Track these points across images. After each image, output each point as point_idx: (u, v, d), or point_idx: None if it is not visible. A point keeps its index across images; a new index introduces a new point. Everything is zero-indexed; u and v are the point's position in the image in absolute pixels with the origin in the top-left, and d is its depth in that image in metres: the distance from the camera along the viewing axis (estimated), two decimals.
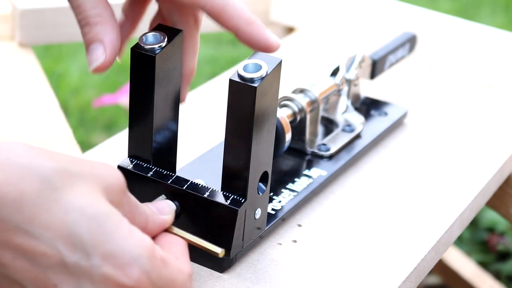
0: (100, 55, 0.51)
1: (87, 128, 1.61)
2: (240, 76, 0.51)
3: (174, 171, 0.57)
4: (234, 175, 0.53)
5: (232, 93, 0.51)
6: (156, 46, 0.52)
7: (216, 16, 0.52)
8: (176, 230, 0.50)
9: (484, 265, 1.31)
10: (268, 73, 0.51)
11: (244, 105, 0.51)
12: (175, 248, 0.48)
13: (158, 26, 0.54)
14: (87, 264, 0.42)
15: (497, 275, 1.30)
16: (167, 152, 0.56)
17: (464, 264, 1.20)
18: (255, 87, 0.50)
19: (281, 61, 0.52)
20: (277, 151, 0.62)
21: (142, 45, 0.52)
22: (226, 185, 0.53)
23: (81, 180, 0.43)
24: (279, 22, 0.96)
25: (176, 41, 0.53)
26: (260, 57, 0.52)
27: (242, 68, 0.51)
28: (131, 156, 0.55)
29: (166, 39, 0.52)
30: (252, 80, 0.50)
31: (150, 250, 0.43)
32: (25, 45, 0.85)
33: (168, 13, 0.56)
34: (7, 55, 0.83)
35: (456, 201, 0.64)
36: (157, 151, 0.55)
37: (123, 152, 0.64)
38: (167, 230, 0.50)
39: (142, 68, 0.52)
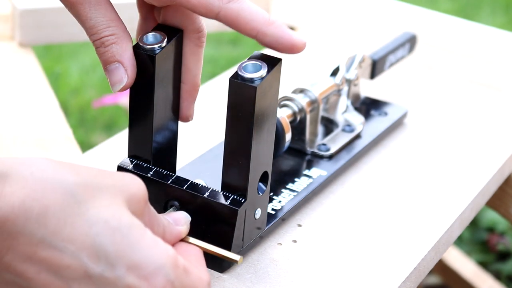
0: (122, 76, 0.52)
1: (87, 128, 1.61)
2: (240, 76, 0.51)
3: (174, 171, 0.57)
4: (234, 175, 0.53)
5: (232, 93, 0.51)
6: (156, 46, 0.52)
7: (232, 23, 0.50)
8: (192, 239, 0.51)
9: (484, 265, 1.31)
10: (268, 73, 0.51)
11: (244, 105, 0.51)
12: (193, 257, 0.48)
13: (158, 26, 0.54)
14: (111, 275, 0.42)
15: (497, 275, 1.30)
16: (167, 152, 0.56)
17: (464, 264, 1.20)
18: (255, 87, 0.50)
19: (281, 61, 0.52)
20: (277, 151, 0.62)
21: (142, 45, 0.52)
22: (226, 185, 0.53)
23: (104, 193, 0.44)
24: None
25: (176, 41, 0.53)
26: (260, 57, 0.52)
27: (242, 68, 0.51)
28: (131, 156, 0.55)
29: (166, 39, 0.52)
30: (252, 80, 0.50)
31: (173, 260, 0.44)
32: (25, 45, 0.85)
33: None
34: (7, 55, 0.83)
35: (456, 201, 0.64)
36: (157, 151, 0.55)
37: (123, 152, 0.64)
38: (182, 240, 0.50)
39: (142, 68, 0.52)
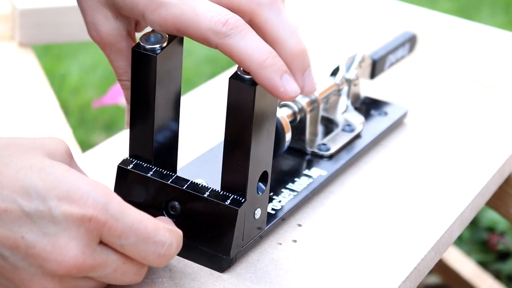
0: None
1: (87, 128, 1.61)
2: (239, 77, 0.51)
3: (175, 171, 0.57)
4: (234, 175, 0.53)
5: (232, 93, 0.51)
6: (157, 46, 0.52)
7: (229, 56, 0.50)
8: None
9: (484, 265, 1.31)
10: None
11: (244, 105, 0.51)
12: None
13: None
14: (45, 208, 0.46)
15: (497, 275, 1.30)
16: (168, 152, 0.56)
17: (464, 264, 1.20)
18: (255, 87, 0.50)
19: None
20: (277, 151, 0.62)
21: (143, 45, 0.52)
22: (226, 185, 0.53)
23: (25, 149, 0.48)
24: None
25: (176, 41, 0.53)
26: None
27: (242, 68, 0.51)
28: (132, 156, 0.55)
29: (167, 39, 0.52)
30: (251, 80, 0.50)
31: (103, 189, 0.47)
32: (25, 45, 0.85)
33: None
34: (7, 55, 0.83)
35: (456, 201, 0.64)
36: (158, 151, 0.55)
37: (123, 152, 0.64)
38: None
39: (143, 68, 0.52)
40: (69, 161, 0.51)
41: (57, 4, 0.86)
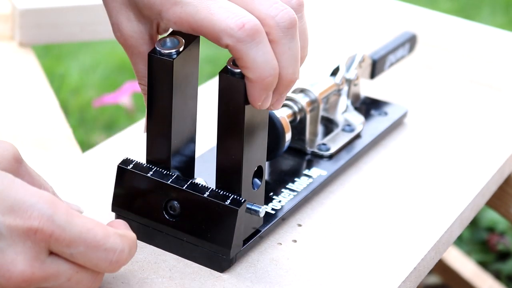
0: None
1: (87, 127, 1.61)
2: (229, 70, 0.51)
3: (193, 176, 0.57)
4: (228, 171, 0.53)
5: (223, 88, 0.51)
6: (173, 50, 0.52)
7: (234, 57, 0.50)
8: None
9: (484, 265, 1.31)
10: None
11: (235, 98, 0.51)
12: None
13: (174, 32, 0.53)
14: None
15: (497, 275, 1.30)
16: (185, 157, 0.56)
17: (464, 264, 1.20)
18: (245, 81, 0.50)
19: None
20: (277, 151, 0.62)
21: (159, 49, 0.52)
22: (220, 181, 0.53)
23: None
24: None
25: (193, 46, 0.53)
26: None
27: (232, 62, 0.51)
28: (149, 161, 0.55)
29: (183, 44, 0.52)
30: (241, 73, 0.50)
31: (49, 199, 0.46)
32: (25, 44, 0.85)
33: None
34: (7, 55, 0.83)
35: (456, 201, 0.64)
36: (176, 156, 0.55)
37: (123, 152, 0.65)
38: None
39: (160, 73, 0.52)
40: (17, 167, 0.50)
41: (57, 4, 0.86)
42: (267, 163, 0.64)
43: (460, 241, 1.34)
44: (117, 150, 0.66)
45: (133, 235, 0.49)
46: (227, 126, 0.52)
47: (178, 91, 0.53)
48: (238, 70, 0.50)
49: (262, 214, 0.54)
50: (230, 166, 0.53)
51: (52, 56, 1.83)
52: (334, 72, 0.69)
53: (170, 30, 0.54)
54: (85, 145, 1.38)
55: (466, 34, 0.87)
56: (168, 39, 0.52)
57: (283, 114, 0.63)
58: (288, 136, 0.62)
